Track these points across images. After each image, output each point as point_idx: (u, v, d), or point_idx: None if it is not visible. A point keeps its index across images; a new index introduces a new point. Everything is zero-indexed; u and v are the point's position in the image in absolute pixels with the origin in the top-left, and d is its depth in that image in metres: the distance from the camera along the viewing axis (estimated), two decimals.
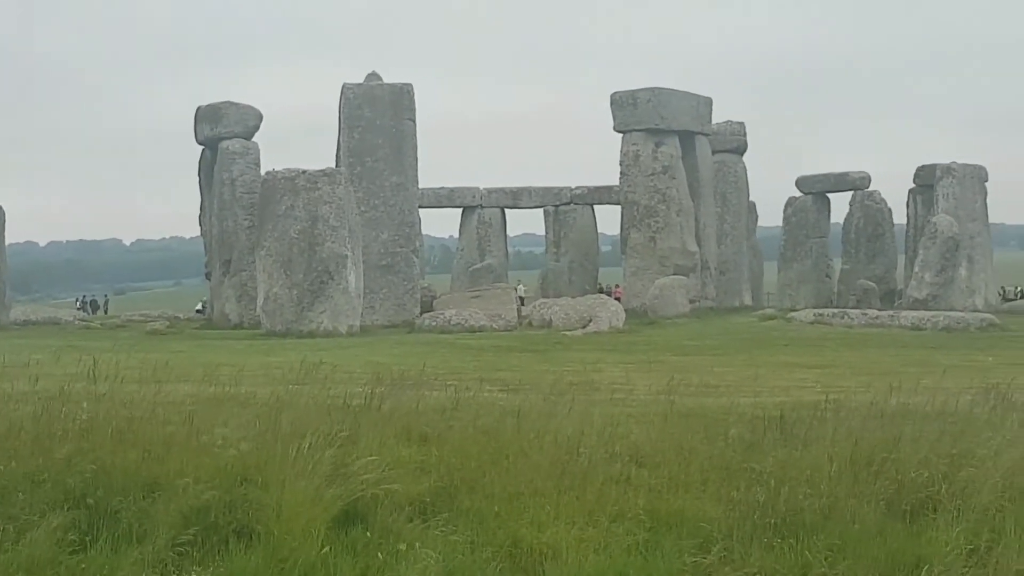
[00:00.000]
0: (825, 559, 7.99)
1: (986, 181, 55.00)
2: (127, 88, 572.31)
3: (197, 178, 51.01)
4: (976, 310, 46.78)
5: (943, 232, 50.15)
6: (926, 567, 7.77)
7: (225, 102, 48.43)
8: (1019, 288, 63.60)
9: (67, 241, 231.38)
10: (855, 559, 7.97)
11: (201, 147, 49.96)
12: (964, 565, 7.94)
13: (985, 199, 54.68)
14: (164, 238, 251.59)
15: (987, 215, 55.03)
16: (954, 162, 53.56)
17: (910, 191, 58.34)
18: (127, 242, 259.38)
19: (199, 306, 59.90)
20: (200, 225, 51.86)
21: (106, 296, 78.33)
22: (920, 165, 57.15)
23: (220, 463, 8.67)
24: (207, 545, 7.83)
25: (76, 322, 47.52)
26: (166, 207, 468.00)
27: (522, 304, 50.09)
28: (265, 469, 8.57)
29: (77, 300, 73.50)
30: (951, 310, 44.83)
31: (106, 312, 66.77)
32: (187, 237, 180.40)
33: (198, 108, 49.08)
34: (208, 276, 51.16)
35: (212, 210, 48.63)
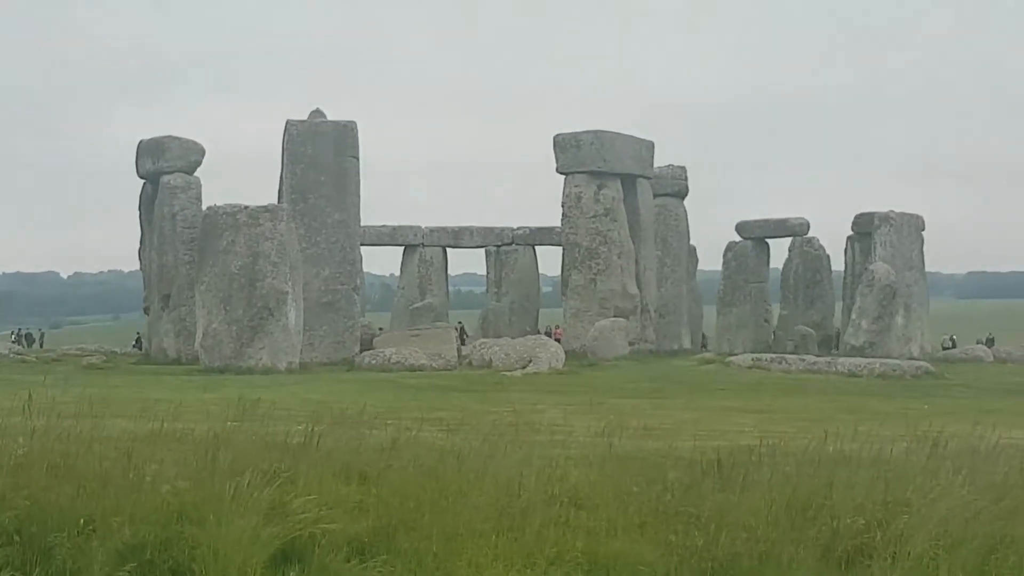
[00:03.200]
0: None
1: (923, 230, 55.64)
2: (68, 120, 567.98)
3: (137, 212, 50.67)
4: (912, 358, 47.18)
5: (880, 280, 50.65)
6: None
7: (167, 136, 48.24)
8: (952, 337, 64.30)
9: (3, 273, 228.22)
10: None
11: (142, 181, 49.67)
12: None
13: (922, 248, 55.29)
14: (102, 271, 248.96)
15: (924, 264, 55.64)
16: (891, 211, 54.11)
17: (848, 238, 58.82)
18: (64, 275, 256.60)
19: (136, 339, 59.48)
20: (139, 259, 51.53)
21: (41, 330, 77.43)
22: (858, 213, 57.64)
23: (157, 500, 8.60)
24: None
25: (11, 355, 46.98)
26: (104, 241, 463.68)
27: (463, 343, 50.11)
28: (202, 507, 8.51)
29: (12, 333, 72.70)
30: (887, 357, 45.23)
31: (41, 345, 66.06)
32: (125, 271, 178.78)
33: (140, 142, 48.86)
34: (147, 311, 50.77)
35: (152, 244, 48.33)
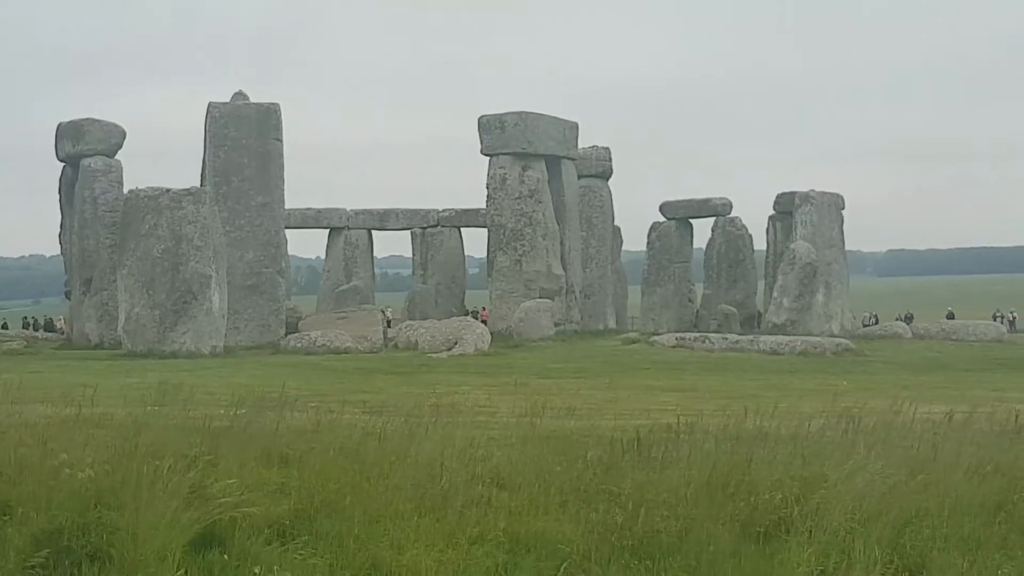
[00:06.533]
0: None
1: (843, 209, 56.23)
2: None
3: (58, 195, 50.03)
4: (833, 335, 47.73)
5: (801, 258, 51.15)
6: None
7: (87, 119, 47.61)
8: (875, 314, 65.12)
9: None
10: None
11: (62, 164, 49.03)
12: None
13: (842, 226, 55.88)
14: (23, 256, 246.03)
15: (844, 242, 56.23)
16: (812, 190, 54.64)
17: (770, 218, 59.30)
18: None
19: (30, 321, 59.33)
20: (60, 243, 50.88)
21: None
22: (780, 192, 58.13)
23: (74, 485, 8.52)
24: (59, 569, 7.67)
25: None
26: (25, 224, 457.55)
27: (388, 326, 50.07)
28: (121, 492, 8.44)
29: None
30: (808, 335, 45.71)
31: None
32: (47, 255, 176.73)
33: (59, 124, 48.20)
34: (68, 295, 50.23)
35: (73, 228, 47.77)
